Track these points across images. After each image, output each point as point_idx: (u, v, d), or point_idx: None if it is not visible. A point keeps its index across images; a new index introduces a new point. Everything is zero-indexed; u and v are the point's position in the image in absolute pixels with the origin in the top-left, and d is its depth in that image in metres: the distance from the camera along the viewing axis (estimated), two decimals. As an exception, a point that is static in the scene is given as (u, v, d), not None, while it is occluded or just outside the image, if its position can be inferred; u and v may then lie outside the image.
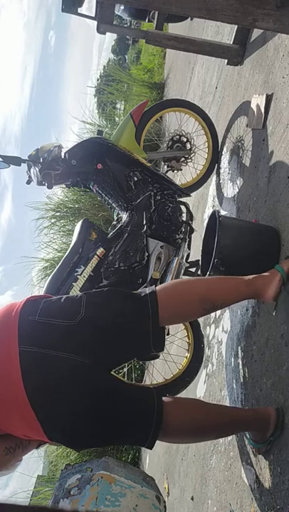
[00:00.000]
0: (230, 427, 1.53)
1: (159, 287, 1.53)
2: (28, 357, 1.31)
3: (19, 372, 1.29)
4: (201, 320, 2.61)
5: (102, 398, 1.36)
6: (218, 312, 2.47)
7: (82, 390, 1.34)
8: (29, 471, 4.98)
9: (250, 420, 1.53)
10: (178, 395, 2.40)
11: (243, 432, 1.72)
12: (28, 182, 2.59)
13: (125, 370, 2.88)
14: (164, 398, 1.42)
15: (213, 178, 3.11)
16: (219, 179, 2.99)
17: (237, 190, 2.50)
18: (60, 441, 1.41)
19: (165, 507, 1.27)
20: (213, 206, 3.04)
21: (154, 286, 1.56)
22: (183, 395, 2.46)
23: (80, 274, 2.23)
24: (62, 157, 2.48)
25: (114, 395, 1.38)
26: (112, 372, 1.52)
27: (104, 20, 2.77)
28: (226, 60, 2.92)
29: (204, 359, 2.51)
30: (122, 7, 4.53)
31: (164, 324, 1.50)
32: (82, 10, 2.81)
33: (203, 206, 3.35)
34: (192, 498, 2.39)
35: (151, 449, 1.40)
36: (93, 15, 2.78)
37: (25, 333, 1.35)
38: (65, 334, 1.37)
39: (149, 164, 2.52)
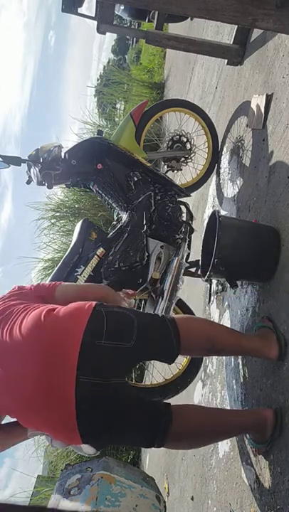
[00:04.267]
0: (230, 431, 1.60)
1: (180, 320, 1.60)
2: (84, 387, 1.36)
3: (74, 403, 1.34)
4: (201, 320, 2.61)
5: (129, 409, 1.46)
6: (218, 312, 2.47)
7: (118, 406, 1.44)
8: (29, 471, 4.98)
9: (248, 423, 1.57)
10: (179, 397, 2.40)
11: (241, 433, 1.74)
12: (28, 182, 2.59)
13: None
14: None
15: (213, 178, 3.11)
16: (219, 179, 2.99)
17: (237, 190, 2.50)
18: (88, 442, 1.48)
19: (165, 507, 1.27)
20: (213, 206, 3.04)
21: (172, 314, 1.70)
22: (182, 394, 2.46)
23: (80, 274, 2.23)
24: (62, 157, 2.47)
25: (137, 406, 1.49)
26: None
27: (104, 20, 2.77)
28: (226, 60, 2.92)
29: (204, 359, 2.51)
30: (122, 7, 4.52)
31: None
32: (82, 10, 2.80)
33: (203, 206, 3.35)
34: (192, 498, 2.39)
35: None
36: (93, 15, 2.78)
37: (87, 363, 1.37)
38: (122, 357, 1.46)
39: (149, 164, 2.52)
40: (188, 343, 1.56)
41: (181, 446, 1.78)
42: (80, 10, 2.79)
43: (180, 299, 2.40)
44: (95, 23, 2.80)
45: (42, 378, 1.37)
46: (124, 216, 2.41)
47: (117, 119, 8.62)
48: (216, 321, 2.49)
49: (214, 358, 2.42)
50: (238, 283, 2.05)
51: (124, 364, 1.49)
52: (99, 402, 1.39)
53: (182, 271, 2.35)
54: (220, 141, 3.02)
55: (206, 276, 1.92)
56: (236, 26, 2.75)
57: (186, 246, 2.46)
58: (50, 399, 1.36)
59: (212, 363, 2.44)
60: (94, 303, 1.50)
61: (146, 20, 4.70)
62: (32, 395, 1.38)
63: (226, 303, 2.35)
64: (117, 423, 1.43)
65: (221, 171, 2.98)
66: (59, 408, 1.36)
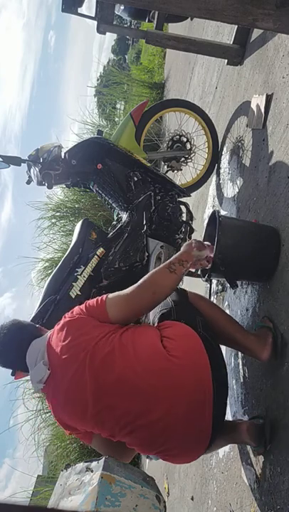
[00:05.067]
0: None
1: (190, 296, 1.68)
2: (217, 421, 1.43)
3: (208, 438, 1.43)
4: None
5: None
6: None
7: None
8: (29, 471, 4.99)
9: (230, 439, 1.62)
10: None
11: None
12: (28, 182, 2.59)
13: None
14: None
15: (213, 178, 3.11)
16: (219, 179, 2.99)
17: (237, 190, 2.50)
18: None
19: (165, 507, 1.26)
20: (213, 206, 3.04)
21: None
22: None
23: (80, 274, 2.23)
24: (62, 157, 2.48)
25: None
26: None
27: (104, 20, 2.77)
28: (226, 60, 2.92)
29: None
30: (122, 7, 4.52)
31: None
32: (82, 10, 2.81)
33: (203, 206, 3.35)
34: (192, 498, 2.39)
35: None
36: (93, 15, 2.78)
37: (219, 399, 1.43)
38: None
39: (149, 164, 2.52)
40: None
41: None
42: (80, 10, 2.79)
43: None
44: (95, 23, 2.80)
45: (184, 416, 1.38)
46: (124, 216, 2.41)
47: (117, 119, 8.62)
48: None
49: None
50: (238, 283, 2.05)
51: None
52: (222, 425, 1.49)
53: (182, 271, 2.35)
54: (220, 141, 3.02)
55: (206, 276, 1.92)
56: (236, 26, 2.75)
57: (186, 246, 2.46)
58: (187, 432, 1.40)
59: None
60: (193, 331, 1.48)
61: (147, 20, 4.69)
62: (170, 428, 1.39)
63: (226, 303, 2.34)
64: None
65: (221, 171, 2.98)
66: (193, 441, 1.43)
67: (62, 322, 1.53)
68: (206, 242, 1.69)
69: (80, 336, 1.45)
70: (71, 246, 2.34)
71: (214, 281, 2.46)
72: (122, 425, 1.39)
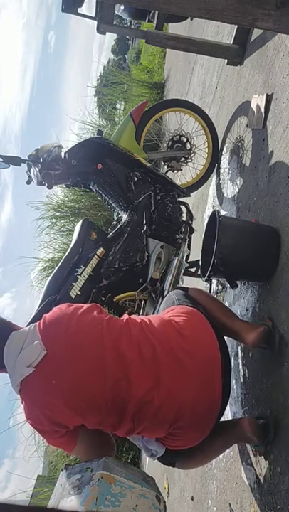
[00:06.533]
0: (219, 450, 1.69)
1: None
2: (223, 403, 1.50)
3: (215, 418, 1.49)
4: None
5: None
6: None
7: None
8: (29, 472, 4.98)
9: (232, 438, 1.61)
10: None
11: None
12: (28, 182, 2.59)
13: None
14: None
15: (213, 178, 3.11)
16: (219, 179, 2.99)
17: (237, 190, 2.50)
18: None
19: (165, 507, 1.26)
20: (213, 206, 3.04)
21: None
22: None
23: (80, 274, 2.23)
24: (63, 157, 2.48)
25: None
26: None
27: (104, 20, 2.77)
28: (226, 60, 2.92)
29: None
30: (122, 7, 4.52)
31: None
32: (82, 10, 2.81)
33: (203, 206, 3.35)
34: (192, 498, 2.39)
35: None
36: (93, 15, 2.78)
37: (226, 367, 1.51)
38: None
39: (149, 164, 2.52)
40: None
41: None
42: (80, 10, 2.79)
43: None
44: (95, 23, 2.80)
45: (196, 396, 1.43)
46: (124, 216, 2.41)
47: (117, 119, 8.62)
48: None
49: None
50: (238, 283, 2.05)
51: None
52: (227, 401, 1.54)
53: (182, 271, 2.35)
54: (220, 141, 3.02)
55: (206, 276, 1.92)
56: (236, 26, 2.75)
57: (186, 246, 2.46)
58: (196, 413, 1.44)
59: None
60: (206, 320, 1.57)
61: (147, 20, 4.69)
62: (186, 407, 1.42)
63: (226, 303, 2.34)
64: None
65: (221, 171, 2.98)
66: (204, 420, 1.47)
67: (62, 308, 1.56)
68: None
69: (90, 316, 1.51)
70: (71, 246, 2.34)
71: (214, 281, 2.46)
72: (138, 399, 1.39)
